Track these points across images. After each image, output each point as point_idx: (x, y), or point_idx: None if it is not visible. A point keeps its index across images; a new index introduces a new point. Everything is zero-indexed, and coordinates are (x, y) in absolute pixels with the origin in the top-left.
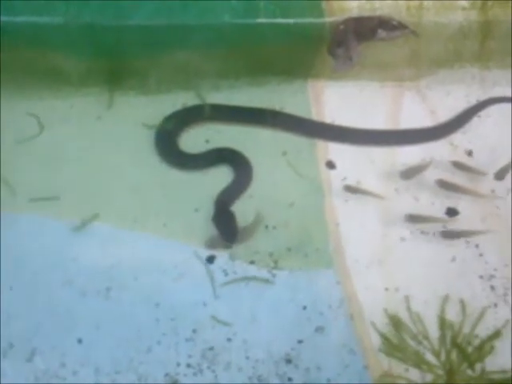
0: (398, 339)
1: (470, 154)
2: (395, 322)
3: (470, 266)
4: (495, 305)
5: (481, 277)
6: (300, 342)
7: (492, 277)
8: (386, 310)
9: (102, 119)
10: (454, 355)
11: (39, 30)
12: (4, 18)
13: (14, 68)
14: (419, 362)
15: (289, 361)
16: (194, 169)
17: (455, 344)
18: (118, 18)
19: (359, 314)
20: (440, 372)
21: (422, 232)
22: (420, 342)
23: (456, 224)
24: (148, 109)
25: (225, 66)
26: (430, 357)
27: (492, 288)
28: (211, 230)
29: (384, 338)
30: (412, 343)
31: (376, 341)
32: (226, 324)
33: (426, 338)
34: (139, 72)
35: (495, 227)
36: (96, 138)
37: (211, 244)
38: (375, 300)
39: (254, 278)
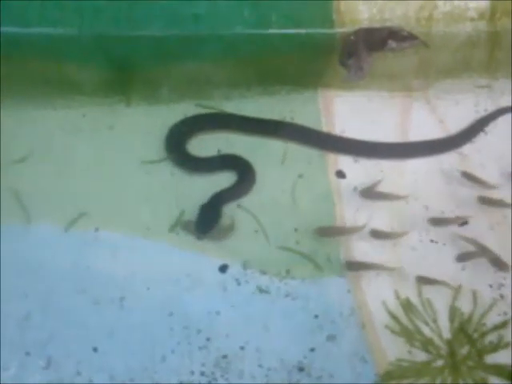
0: (407, 321)
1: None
2: (405, 305)
3: (480, 274)
4: (505, 313)
5: (490, 286)
6: (312, 350)
7: (501, 285)
8: (396, 292)
9: (115, 129)
10: (461, 342)
11: (53, 41)
12: (18, 30)
13: (27, 78)
14: (426, 344)
15: (301, 369)
16: (199, 171)
17: (461, 329)
18: (131, 29)
19: (370, 322)
20: (443, 353)
21: (432, 241)
22: (427, 324)
23: (465, 233)
24: (160, 118)
25: (236, 76)
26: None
27: (501, 296)
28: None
29: (394, 317)
30: (420, 325)
31: (387, 348)
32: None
33: (435, 321)
34: (151, 82)
35: (503, 236)
36: (108, 148)
37: (185, 227)
38: (386, 308)
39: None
